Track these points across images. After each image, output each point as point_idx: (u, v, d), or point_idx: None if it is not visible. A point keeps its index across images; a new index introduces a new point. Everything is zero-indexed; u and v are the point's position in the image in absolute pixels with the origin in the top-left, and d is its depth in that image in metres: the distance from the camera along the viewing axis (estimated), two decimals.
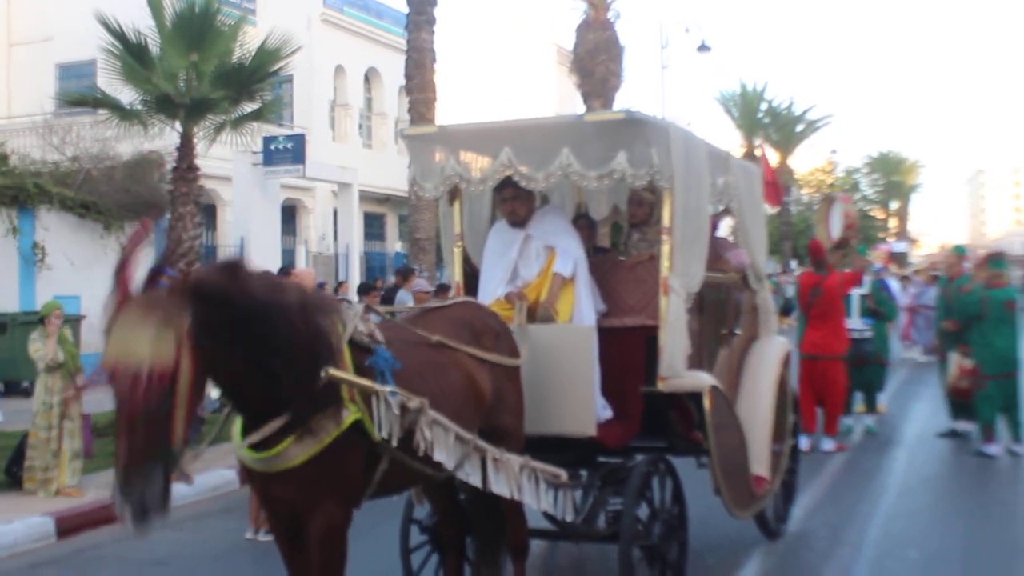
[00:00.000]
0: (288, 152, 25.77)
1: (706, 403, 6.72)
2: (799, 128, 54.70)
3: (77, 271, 20.80)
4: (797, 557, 8.17)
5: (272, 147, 25.74)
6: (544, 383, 6.42)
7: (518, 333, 6.37)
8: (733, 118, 52.60)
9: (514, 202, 6.95)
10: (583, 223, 7.99)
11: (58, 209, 20.91)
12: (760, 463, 7.84)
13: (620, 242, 7.85)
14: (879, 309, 14.12)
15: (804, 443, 12.32)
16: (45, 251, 20.62)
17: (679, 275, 6.70)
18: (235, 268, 4.35)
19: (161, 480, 3.95)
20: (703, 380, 6.80)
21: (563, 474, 6.08)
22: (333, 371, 4.51)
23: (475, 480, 5.45)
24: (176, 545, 9.15)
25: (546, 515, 6.43)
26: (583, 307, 6.80)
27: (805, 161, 73.01)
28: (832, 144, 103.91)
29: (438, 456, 5.05)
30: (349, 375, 4.61)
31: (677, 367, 6.63)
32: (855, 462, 11.93)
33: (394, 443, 4.78)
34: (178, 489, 10.64)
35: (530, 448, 6.49)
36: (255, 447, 4.59)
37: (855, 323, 13.59)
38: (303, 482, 4.59)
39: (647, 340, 6.80)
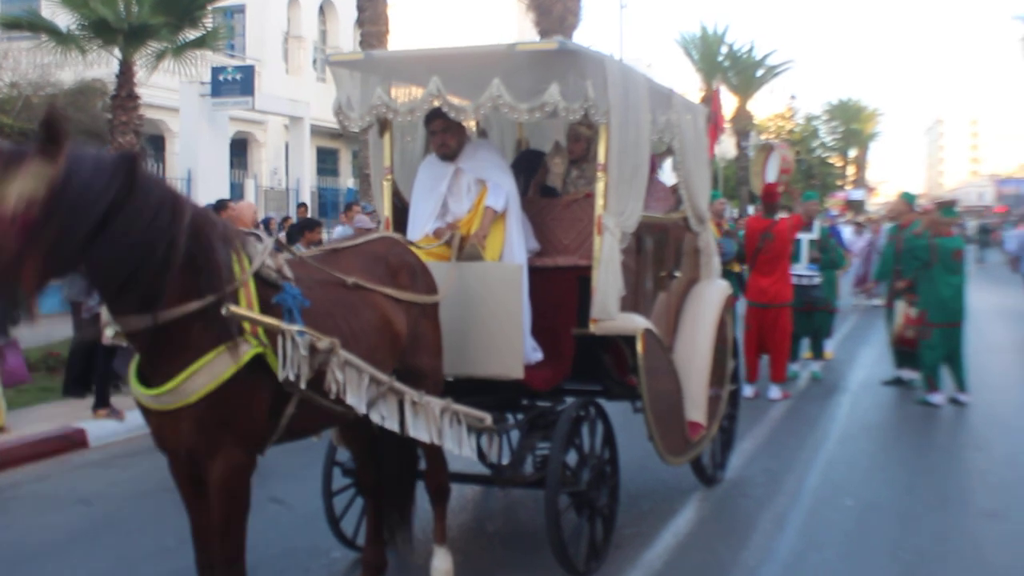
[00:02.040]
0: (236, 83, 25.23)
1: (639, 347, 6.50)
2: (759, 73, 54.37)
3: None
4: (733, 504, 8.02)
5: (220, 78, 25.19)
6: (471, 323, 6.19)
7: (446, 269, 6.12)
8: (693, 61, 52.18)
9: (444, 134, 6.65)
10: (530, 158, 7.73)
11: None
12: (696, 409, 7.66)
13: (559, 178, 7.58)
14: (829, 255, 13.97)
15: (748, 390, 12.23)
16: None
17: (614, 214, 6.46)
18: (133, 160, 4.07)
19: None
20: (636, 323, 6.57)
21: (488, 418, 5.85)
22: (234, 308, 4.22)
23: (391, 424, 5.21)
24: (102, 484, 8.89)
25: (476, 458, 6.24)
26: (514, 244, 6.54)
27: (765, 107, 72.93)
28: (792, 90, 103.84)
29: (350, 399, 4.80)
30: (252, 312, 4.33)
31: (610, 309, 6.41)
32: (798, 409, 11.81)
33: (302, 385, 4.52)
34: (109, 426, 10.50)
35: (457, 390, 6.29)
36: (147, 382, 4.32)
37: (803, 269, 13.43)
38: (200, 421, 4.31)
39: (580, 281, 6.57)
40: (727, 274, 12.79)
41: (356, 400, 4.84)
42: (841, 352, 16.21)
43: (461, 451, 5.68)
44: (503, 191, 6.58)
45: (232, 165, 31.56)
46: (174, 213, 4.17)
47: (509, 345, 6.12)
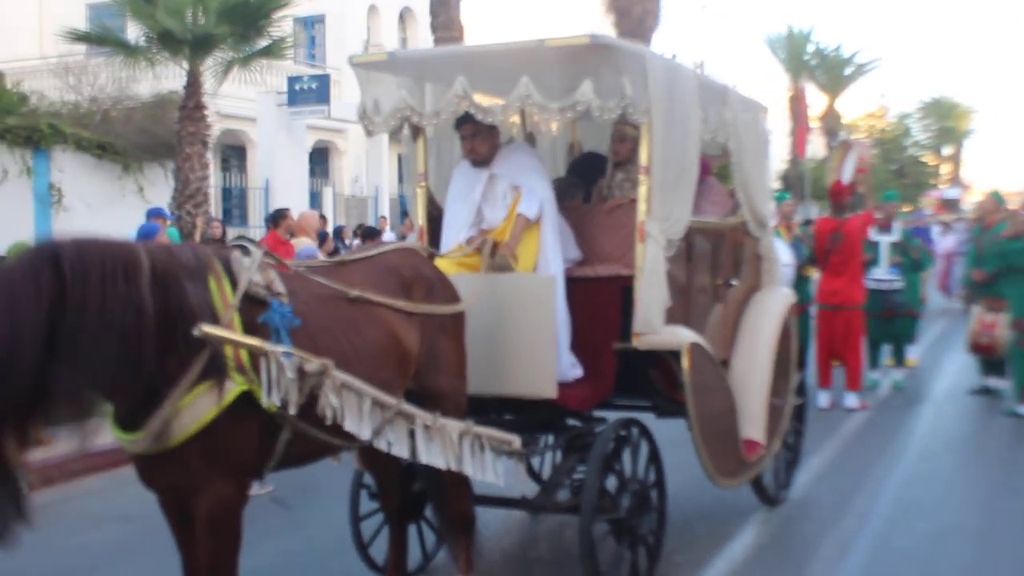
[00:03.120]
0: (312, 92, 25.18)
1: (684, 362, 6.06)
2: (847, 71, 53.33)
3: (94, 213, 20.34)
4: (795, 527, 7.52)
5: (296, 87, 25.18)
6: (500, 338, 5.82)
7: (473, 281, 5.76)
8: (780, 61, 51.26)
9: (473, 139, 6.30)
10: (592, 163, 7.33)
11: (74, 150, 20.46)
12: (754, 426, 7.17)
13: (603, 183, 7.16)
14: (911, 258, 13.33)
15: (823, 400, 11.70)
16: (62, 192, 20.21)
17: (658, 219, 6.03)
18: (50, 253, 3.65)
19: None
20: (682, 337, 6.12)
21: (515, 440, 5.45)
22: (208, 328, 3.88)
23: (400, 450, 4.84)
24: (146, 502, 8.65)
25: None
26: (549, 254, 6.15)
27: (856, 106, 71.46)
28: (882, 89, 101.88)
29: (349, 425, 4.44)
30: (230, 332, 3.98)
31: (653, 322, 5.98)
32: (876, 421, 11.22)
33: (291, 411, 4.17)
34: None
35: (491, 410, 5.93)
36: (126, 427, 4.00)
37: (882, 273, 12.80)
38: (184, 463, 4.00)
39: (623, 292, 6.15)
40: (800, 279, 12.27)
41: (356, 426, 4.48)
42: (926, 359, 15.52)
43: (485, 477, 5.29)
44: (537, 197, 6.20)
45: (313, 174, 31.61)
46: (127, 277, 3.76)
47: (541, 362, 5.72)
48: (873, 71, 54.96)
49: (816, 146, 59.77)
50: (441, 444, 5.00)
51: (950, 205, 56.20)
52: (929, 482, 8.63)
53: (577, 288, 6.25)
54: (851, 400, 11.74)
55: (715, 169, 8.15)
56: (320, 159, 32.90)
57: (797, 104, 45.67)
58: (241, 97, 24.51)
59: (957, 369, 14.56)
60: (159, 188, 20.22)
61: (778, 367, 7.56)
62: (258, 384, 4.04)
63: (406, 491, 5.86)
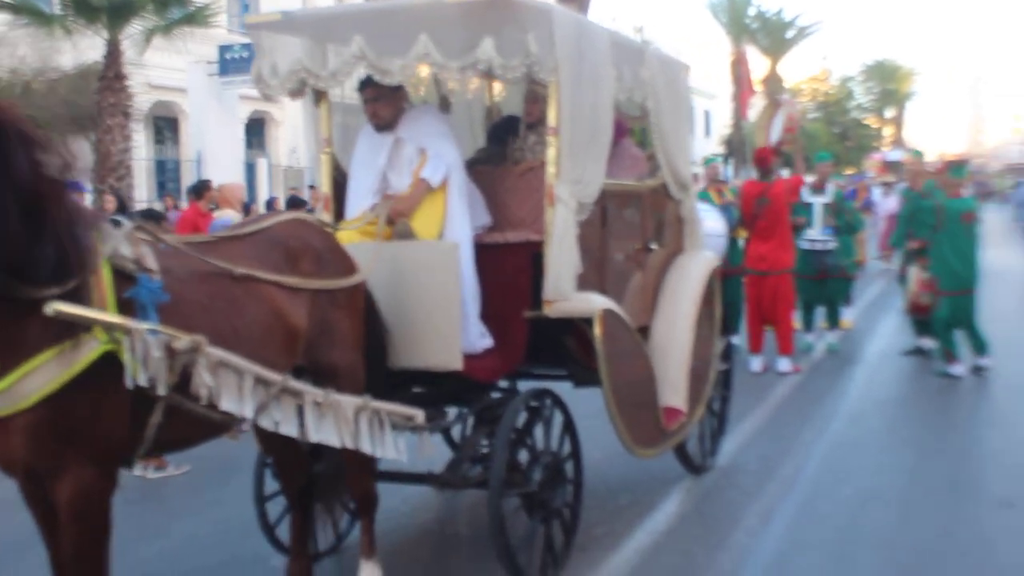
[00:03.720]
0: (244, 61, 24.57)
1: (596, 330, 5.85)
2: (789, 34, 53.32)
3: None
4: (720, 496, 7.37)
5: (227, 56, 24.65)
6: (403, 309, 5.59)
7: (371, 250, 5.52)
8: (722, 25, 51.19)
9: (375, 103, 6.04)
10: (511, 126, 7.07)
11: None
12: (675, 393, 7.00)
13: (516, 146, 6.93)
14: (845, 219, 13.21)
15: (755, 364, 11.60)
16: None
17: (568, 182, 5.81)
18: None
19: None
20: (594, 303, 5.90)
21: (418, 415, 5.23)
22: (59, 306, 3.59)
23: (288, 429, 4.59)
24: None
25: None
26: (455, 220, 5.91)
27: (799, 69, 71.66)
28: (825, 52, 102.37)
29: (226, 404, 4.18)
30: (84, 310, 3.69)
31: (564, 288, 5.76)
32: (808, 384, 11.12)
33: (160, 391, 3.91)
34: None
35: (400, 383, 5.70)
36: None
37: (816, 234, 12.67)
38: (36, 432, 3.66)
39: (533, 258, 5.92)
40: (732, 243, 12.14)
41: (235, 405, 4.23)
42: (862, 321, 15.48)
43: (385, 454, 5.07)
44: (443, 162, 5.96)
45: (250, 145, 31.13)
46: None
47: (445, 333, 5.50)
48: (815, 34, 54.95)
49: (760, 110, 59.75)
50: (334, 421, 4.76)
51: (893, 167, 56.57)
52: (857, 446, 8.51)
53: (487, 255, 6.02)
54: (783, 364, 11.63)
55: (636, 131, 7.96)
56: (257, 130, 32.39)
57: (739, 68, 45.63)
58: (171, 67, 23.94)
59: (892, 331, 14.52)
60: (85, 162, 19.69)
61: (702, 332, 7.40)
62: (124, 348, 3.76)
63: (308, 471, 5.60)
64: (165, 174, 29.02)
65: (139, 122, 24.41)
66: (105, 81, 16.17)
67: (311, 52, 5.88)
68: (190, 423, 4.20)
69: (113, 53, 16.08)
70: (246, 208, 14.20)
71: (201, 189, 12.58)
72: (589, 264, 6.16)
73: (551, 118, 5.78)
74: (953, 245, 11.11)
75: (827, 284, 12.94)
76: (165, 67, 23.36)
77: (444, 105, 7.49)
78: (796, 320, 13.47)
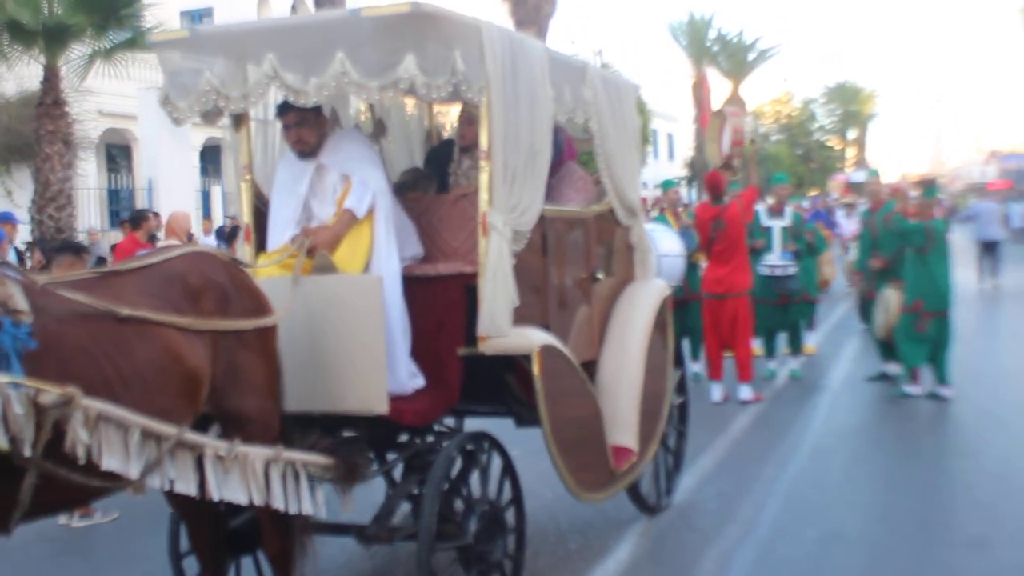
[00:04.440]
0: None
1: (535, 368, 5.42)
2: (750, 57, 53.36)
3: None
4: (675, 538, 6.94)
5: None
6: (323, 348, 5.14)
7: (286, 285, 5.08)
8: (682, 48, 51.14)
9: (299, 129, 5.63)
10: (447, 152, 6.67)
11: None
12: (626, 432, 6.59)
13: (451, 171, 6.51)
14: (805, 242, 12.86)
15: (716, 393, 11.20)
16: None
17: (502, 210, 5.38)
18: None
19: None
20: (531, 339, 5.48)
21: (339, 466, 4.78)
22: None
23: (185, 487, 4.13)
24: None
25: None
26: (381, 252, 5.48)
27: (761, 92, 71.89)
28: (785, 74, 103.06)
29: (109, 463, 3.72)
30: None
31: (500, 323, 5.32)
32: (770, 413, 10.71)
33: (26, 452, 3.45)
34: None
35: (326, 428, 5.25)
36: None
37: (775, 259, 12.30)
38: None
39: (467, 291, 5.49)
40: (691, 267, 11.77)
41: (120, 463, 3.76)
42: (826, 345, 15.13)
43: (300, 509, 4.61)
44: (368, 189, 5.54)
45: (206, 172, 30.55)
46: None
47: (369, 374, 5.05)
48: (776, 57, 54.96)
49: (709, 126, 59.54)
50: (240, 475, 4.30)
51: (857, 188, 56.67)
52: (820, 482, 8.10)
53: (418, 289, 5.60)
54: (744, 392, 11.23)
55: (582, 154, 7.56)
56: (213, 157, 31.82)
57: (700, 90, 45.53)
58: (123, 94, 23.39)
59: (856, 355, 14.19)
60: (29, 191, 19.15)
61: (654, 364, 7.00)
62: None
63: (221, 526, 5.13)
64: (119, 203, 28.39)
65: (87, 150, 23.93)
66: (43, 108, 15.59)
67: (227, 72, 5.43)
68: (70, 486, 3.73)
69: (51, 79, 15.51)
70: (189, 238, 13.65)
71: (138, 219, 12.09)
72: (529, 296, 5.76)
73: (483, 141, 5.36)
74: (940, 266, 10.86)
75: (789, 309, 12.58)
76: (116, 94, 22.79)
77: (380, 129, 7.10)
78: (758, 347, 13.13)
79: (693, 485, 8.01)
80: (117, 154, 29.64)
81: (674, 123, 61.23)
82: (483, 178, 5.37)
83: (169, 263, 4.43)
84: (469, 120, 6.20)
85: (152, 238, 12.59)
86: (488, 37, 5.25)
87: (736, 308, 11.10)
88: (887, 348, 12.13)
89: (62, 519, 7.79)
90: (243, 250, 6.07)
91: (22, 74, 17.68)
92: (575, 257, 6.54)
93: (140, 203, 26.32)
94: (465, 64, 5.13)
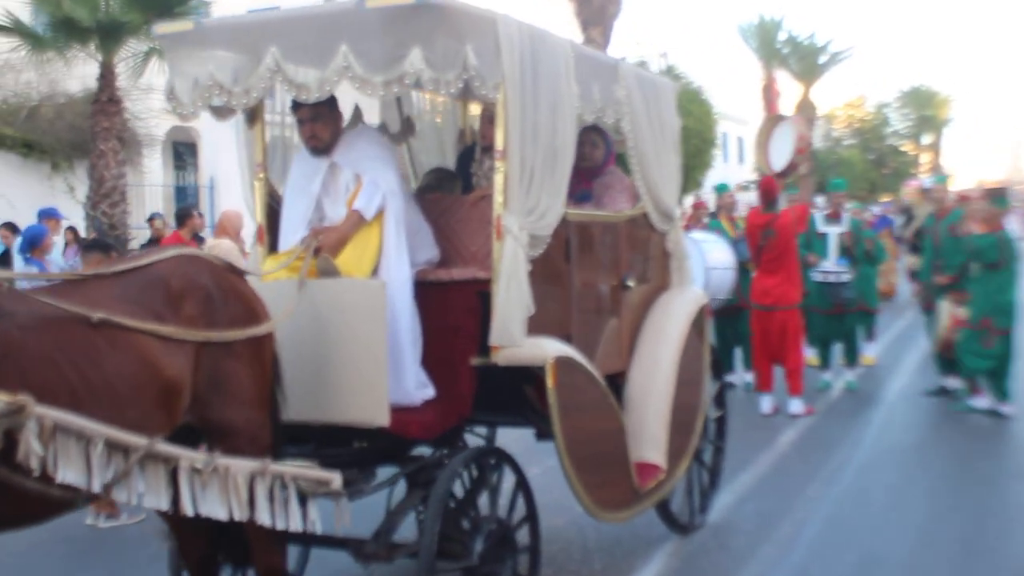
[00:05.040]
0: None
1: (549, 380, 5.14)
2: (821, 60, 52.49)
3: (18, 213, 19.36)
4: (708, 559, 6.61)
5: None
6: (325, 356, 4.90)
7: (288, 289, 4.86)
8: (752, 50, 50.40)
9: (312, 124, 5.40)
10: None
11: None
12: (654, 447, 6.27)
13: (473, 171, 6.26)
14: (863, 249, 12.41)
15: (766, 405, 10.83)
16: None
17: (518, 213, 5.12)
18: None
19: None
20: (546, 350, 5.18)
21: (335, 479, 4.52)
22: None
23: (155, 501, 3.90)
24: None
25: None
26: (391, 255, 5.22)
27: (834, 96, 70.86)
28: (862, 78, 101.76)
29: (65, 475, 3.50)
30: None
31: (513, 333, 5.06)
32: (820, 428, 10.31)
33: None
34: None
35: (333, 439, 5.02)
36: None
37: (830, 266, 11.87)
38: None
39: (481, 298, 5.22)
40: (745, 275, 11.40)
41: (78, 475, 3.55)
42: (886, 356, 14.63)
43: (289, 525, 4.36)
44: (379, 190, 5.29)
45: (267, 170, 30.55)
46: None
47: (370, 384, 4.80)
48: (848, 60, 54.11)
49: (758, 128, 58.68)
50: (220, 489, 4.07)
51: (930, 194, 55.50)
52: (865, 502, 7.72)
53: (431, 294, 5.34)
54: (794, 406, 10.82)
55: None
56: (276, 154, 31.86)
57: (769, 93, 44.81)
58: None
59: (916, 368, 13.69)
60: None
61: (688, 376, 6.68)
62: None
63: (210, 538, 4.90)
64: (186, 199, 28.52)
65: (152, 147, 24.08)
66: (98, 105, 15.61)
67: (230, 65, 5.21)
68: (27, 500, 3.53)
69: (106, 76, 15.53)
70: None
71: (183, 216, 11.99)
72: (549, 304, 5.49)
73: (498, 140, 5.10)
74: (1009, 281, 10.49)
75: (844, 319, 12.13)
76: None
77: (408, 127, 6.86)
78: (812, 356, 12.73)
79: (731, 503, 7.67)
80: (184, 151, 29.77)
81: (744, 126, 60.46)
82: (498, 179, 5.11)
83: (155, 266, 4.22)
84: (490, 119, 5.93)
85: (197, 237, 12.48)
86: (505, 31, 4.98)
87: (785, 321, 10.70)
88: (945, 362, 11.68)
89: (89, 519, 7.69)
90: (255, 251, 5.87)
91: (85, 73, 17.77)
92: (603, 263, 6.25)
93: (203, 201, 26.43)
94: (478, 59, 4.87)
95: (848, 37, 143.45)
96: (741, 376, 12.33)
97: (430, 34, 4.74)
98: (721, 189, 13.35)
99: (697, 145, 34.45)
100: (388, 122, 6.68)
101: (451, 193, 6.23)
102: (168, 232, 13.94)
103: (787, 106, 55.55)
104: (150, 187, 26.74)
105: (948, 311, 11.22)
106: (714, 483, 7.45)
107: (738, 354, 12.34)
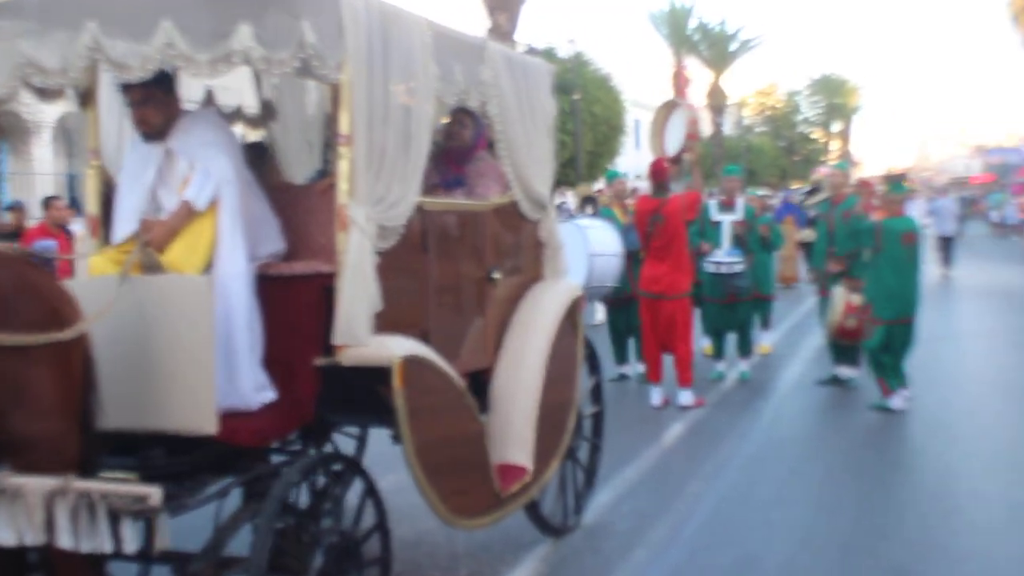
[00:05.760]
0: None
1: (395, 381, 4.81)
2: (732, 47, 52.86)
3: None
4: (577, 563, 6.33)
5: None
6: (148, 358, 4.51)
7: (105, 286, 4.47)
8: (663, 37, 50.55)
9: (143, 107, 4.99)
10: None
11: None
12: (518, 449, 5.98)
13: (327, 159, 5.91)
14: (757, 237, 12.26)
15: (655, 397, 10.62)
16: None
17: (365, 202, 4.78)
18: None
19: None
20: (392, 349, 4.85)
21: (153, 495, 4.12)
22: None
23: None
24: None
25: None
26: (225, 249, 4.86)
27: (745, 83, 71.55)
28: (772, 66, 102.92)
29: None
30: None
31: (357, 331, 4.73)
32: (708, 421, 10.10)
33: None
34: None
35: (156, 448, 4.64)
36: None
37: (722, 255, 11.68)
38: None
39: (327, 293, 4.87)
40: (636, 264, 11.15)
41: None
42: (783, 345, 14.53)
43: (95, 547, 3.97)
44: (211, 178, 4.91)
45: None
46: None
47: (195, 388, 4.43)
48: (759, 47, 54.59)
49: (704, 124, 59.34)
50: (9, 511, 3.68)
51: None
52: (747, 498, 7.51)
53: (273, 290, 4.99)
54: (684, 397, 10.60)
55: None
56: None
57: (678, 80, 44.87)
58: None
59: (812, 356, 13.58)
60: None
61: (560, 372, 6.40)
62: None
63: (20, 560, 4.49)
64: (79, 188, 27.68)
65: (39, 134, 23.24)
66: None
67: (52, 42, 4.78)
68: None
69: None
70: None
71: (46, 206, 11.45)
72: (403, 299, 5.17)
73: (343, 124, 4.76)
74: (893, 269, 10.16)
75: (737, 308, 11.95)
76: None
77: (268, 111, 6.50)
78: (707, 346, 12.59)
79: (609, 502, 7.42)
80: (79, 138, 28.87)
81: (651, 112, 60.63)
82: (342, 166, 4.77)
83: None
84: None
85: (63, 227, 11.95)
86: (348, 7, 4.62)
87: (674, 311, 10.45)
88: (838, 350, 11.59)
89: None
90: (88, 244, 5.46)
91: None
92: (466, 255, 5.92)
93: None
94: (317, 36, 4.50)
95: (759, 25, 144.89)
96: (634, 367, 12.11)
97: (261, 9, 4.40)
98: (611, 176, 13.10)
99: (605, 132, 34.32)
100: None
101: (261, 171, 5.86)
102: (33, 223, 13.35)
103: (698, 93, 55.96)
104: (40, 175, 25.90)
105: (843, 297, 11.09)
106: (590, 482, 7.18)
107: (632, 345, 12.11)
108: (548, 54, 34.71)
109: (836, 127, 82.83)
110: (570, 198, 31.36)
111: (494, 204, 6.18)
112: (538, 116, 6.65)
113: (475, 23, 35.54)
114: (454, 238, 5.80)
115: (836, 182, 12.11)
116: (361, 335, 4.74)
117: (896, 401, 10.20)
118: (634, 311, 11.35)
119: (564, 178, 33.09)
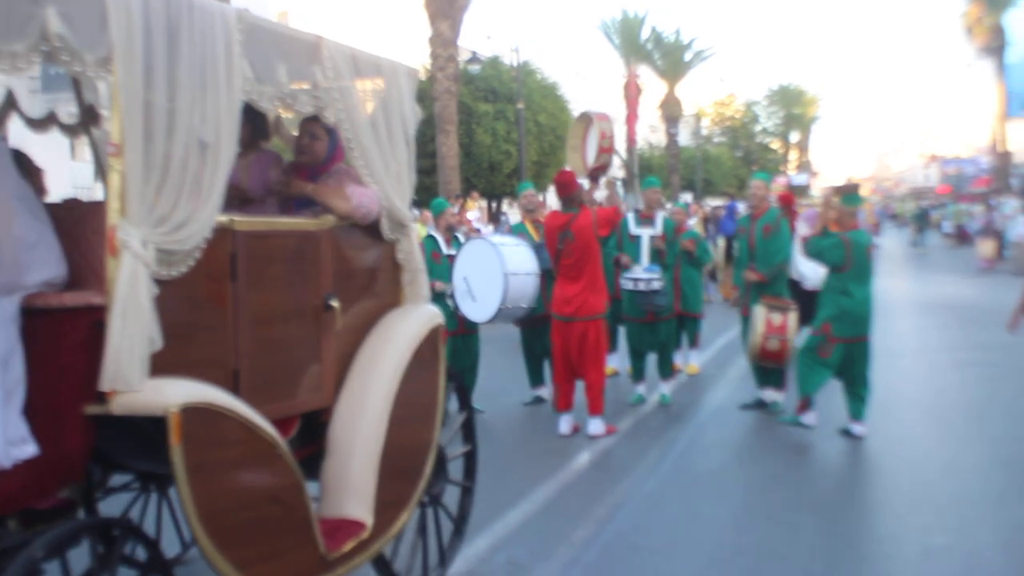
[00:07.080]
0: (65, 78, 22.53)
1: (172, 436, 4.06)
2: (687, 57, 52.50)
3: None
4: None
5: (53, 72, 22.53)
6: None
7: None
8: (615, 47, 50.09)
9: None
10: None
11: None
12: (355, 501, 5.25)
13: None
14: (675, 252, 11.60)
15: (564, 425, 9.93)
16: None
17: (140, 223, 4.06)
18: None
19: None
20: (166, 396, 4.10)
21: None
22: None
23: None
24: None
25: None
26: None
27: (700, 94, 71.39)
28: (723, 76, 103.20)
29: None
30: None
31: (127, 374, 3.99)
32: (617, 451, 9.40)
33: None
34: None
35: None
36: None
37: (640, 272, 10.99)
38: None
39: (99, 329, 4.12)
40: (548, 282, 10.44)
41: None
42: (711, 366, 13.88)
43: None
44: None
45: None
46: None
47: None
48: (713, 58, 54.37)
49: (659, 134, 59.04)
50: None
51: (798, 191, 56.11)
52: (638, 547, 6.77)
53: (41, 326, 4.23)
54: (594, 427, 9.89)
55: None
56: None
57: (629, 90, 44.34)
58: None
59: (740, 377, 12.89)
60: None
61: (413, 410, 5.69)
62: None
63: None
64: None
65: None
66: None
67: None
68: None
69: None
70: None
71: None
72: (204, 335, 4.45)
73: (112, 132, 4.02)
74: (859, 284, 9.57)
75: (657, 328, 11.30)
76: None
77: (90, 116, 5.80)
78: (625, 368, 11.94)
79: (483, 551, 6.69)
80: None
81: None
82: (112, 180, 4.03)
83: None
84: None
85: None
86: None
87: (585, 332, 9.75)
88: (762, 372, 10.96)
89: None
90: None
91: None
92: (294, 281, 5.18)
93: None
94: (68, 26, 3.79)
95: (716, 36, 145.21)
96: (550, 391, 11.41)
97: None
98: (522, 188, 12.37)
99: (552, 142, 33.74)
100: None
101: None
102: None
103: (651, 103, 55.60)
104: None
105: (763, 317, 10.46)
106: (460, 531, 6.46)
107: (547, 366, 11.41)
108: (493, 62, 34.12)
109: (795, 137, 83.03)
110: (514, 212, 30.73)
111: (331, 222, 5.44)
112: (395, 124, 5.92)
113: (416, 31, 34.92)
114: (276, 261, 5.06)
115: (756, 193, 11.36)
116: (133, 379, 4.01)
117: (809, 418, 9.61)
118: (548, 332, 10.66)
119: (508, 190, 32.44)
